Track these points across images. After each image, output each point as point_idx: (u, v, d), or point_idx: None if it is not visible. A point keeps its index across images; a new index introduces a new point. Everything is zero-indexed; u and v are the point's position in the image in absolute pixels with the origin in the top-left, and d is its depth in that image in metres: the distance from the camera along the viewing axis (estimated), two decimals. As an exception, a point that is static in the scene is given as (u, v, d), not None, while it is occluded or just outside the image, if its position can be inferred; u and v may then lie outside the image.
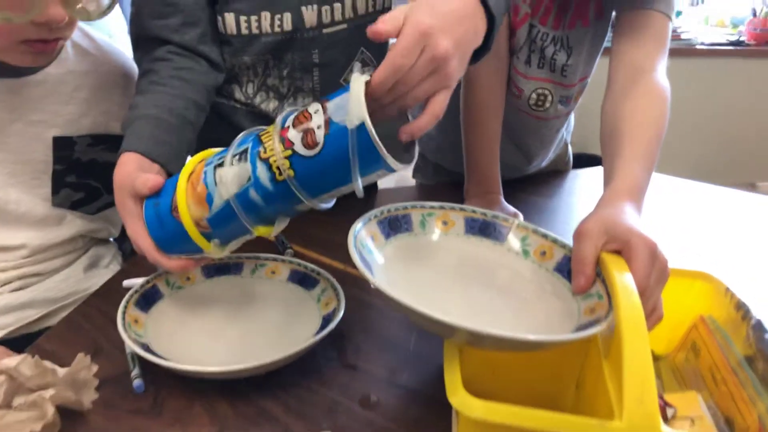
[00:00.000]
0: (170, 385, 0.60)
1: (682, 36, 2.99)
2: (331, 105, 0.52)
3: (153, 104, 0.75)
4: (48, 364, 0.54)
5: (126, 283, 0.77)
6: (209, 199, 0.58)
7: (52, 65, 0.81)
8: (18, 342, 0.79)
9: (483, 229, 0.64)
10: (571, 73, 0.93)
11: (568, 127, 1.17)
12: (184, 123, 0.77)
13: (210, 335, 0.66)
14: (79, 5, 0.71)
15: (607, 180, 0.65)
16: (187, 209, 0.59)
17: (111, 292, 0.77)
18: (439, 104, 0.56)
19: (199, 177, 0.59)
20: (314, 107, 0.53)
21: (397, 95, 0.55)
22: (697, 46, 2.99)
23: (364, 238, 0.57)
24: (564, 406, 0.56)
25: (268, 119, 0.94)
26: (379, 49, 0.93)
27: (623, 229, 0.56)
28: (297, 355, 0.59)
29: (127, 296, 0.66)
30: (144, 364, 0.61)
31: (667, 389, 0.60)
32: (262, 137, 0.55)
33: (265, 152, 0.54)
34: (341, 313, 0.65)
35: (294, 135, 0.53)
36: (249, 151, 0.55)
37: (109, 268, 0.93)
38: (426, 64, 0.53)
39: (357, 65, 0.53)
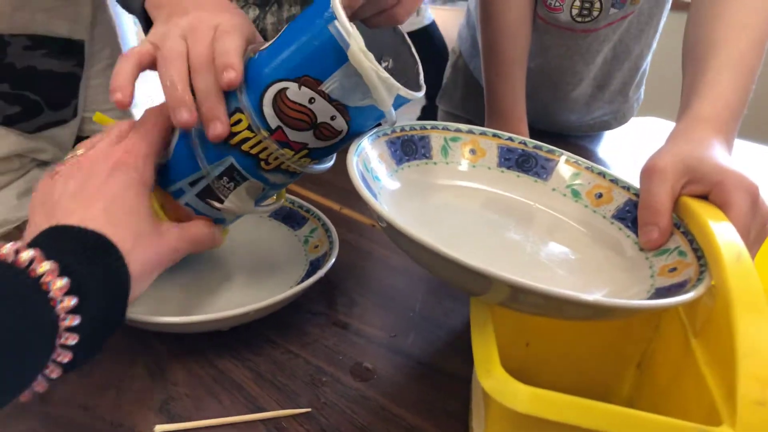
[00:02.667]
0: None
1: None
2: (330, 87, 0.38)
3: None
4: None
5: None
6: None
7: None
8: None
9: (522, 162, 0.50)
10: None
11: (638, 82, 0.97)
12: None
13: (166, 276, 0.52)
14: None
15: (688, 100, 0.50)
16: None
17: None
18: None
19: (168, 201, 0.45)
20: (298, 93, 0.39)
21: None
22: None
23: (369, 158, 0.43)
24: (618, 391, 0.43)
25: None
26: None
27: (712, 167, 0.42)
28: (275, 306, 0.46)
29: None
30: (77, 308, 0.47)
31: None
32: (243, 148, 0.42)
33: (268, 164, 0.43)
34: (333, 259, 0.52)
35: (300, 136, 0.41)
36: (237, 168, 0.43)
37: None
38: None
39: (337, 18, 0.36)
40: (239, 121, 0.41)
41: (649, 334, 0.41)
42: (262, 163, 0.43)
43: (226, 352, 0.46)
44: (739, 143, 1.03)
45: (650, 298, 0.36)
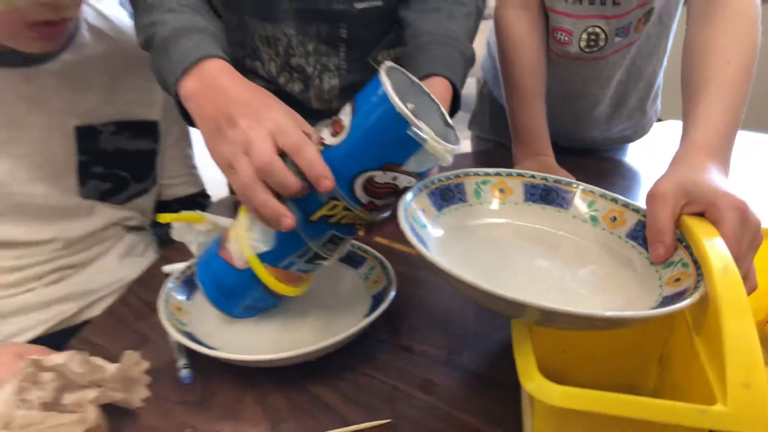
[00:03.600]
0: (219, 374, 0.57)
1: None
2: (409, 166, 0.49)
3: (204, 23, 0.62)
4: (97, 360, 0.52)
5: (166, 268, 0.75)
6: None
7: (67, 51, 0.77)
8: (58, 337, 0.78)
9: (544, 195, 0.58)
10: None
11: (654, 96, 1.05)
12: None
13: (256, 320, 0.63)
14: None
15: (685, 130, 0.58)
16: (285, 286, 0.57)
17: (151, 279, 0.75)
18: None
19: (280, 273, 0.56)
20: (383, 176, 0.49)
21: None
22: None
23: (414, 211, 0.52)
24: (645, 384, 0.51)
25: (293, 100, 0.88)
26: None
27: (705, 189, 0.50)
28: (350, 338, 0.55)
29: (167, 283, 0.63)
30: (191, 353, 0.58)
31: (758, 363, 0.54)
32: (342, 222, 0.53)
33: (360, 226, 0.55)
34: (393, 292, 0.61)
35: (386, 201, 0.52)
36: (338, 235, 0.54)
37: (144, 256, 0.91)
38: None
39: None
40: (335, 206, 0.51)
41: (665, 335, 0.49)
42: (357, 226, 0.54)
43: (317, 379, 0.56)
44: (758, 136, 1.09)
45: (657, 306, 0.45)
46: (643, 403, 0.37)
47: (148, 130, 0.88)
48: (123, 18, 0.86)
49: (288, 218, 0.50)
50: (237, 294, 0.57)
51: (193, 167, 0.99)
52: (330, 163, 0.49)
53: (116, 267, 0.86)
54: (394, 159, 0.48)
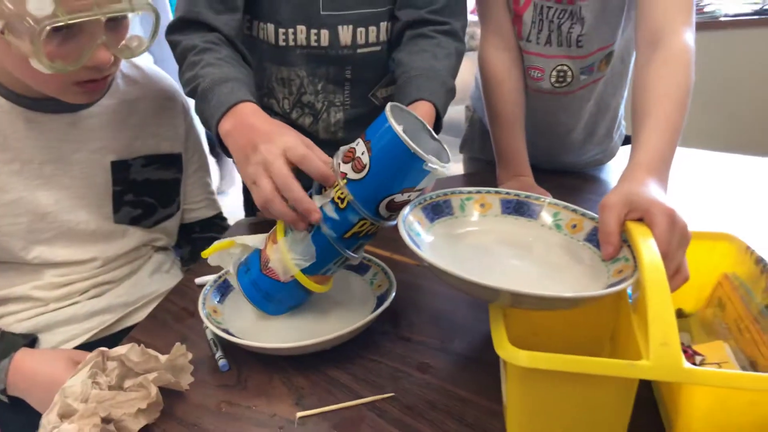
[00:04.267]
0: (250, 363, 0.68)
1: (706, 9, 2.97)
2: (420, 186, 0.64)
3: (237, 73, 0.76)
4: (152, 351, 0.62)
5: (198, 280, 0.86)
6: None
7: (105, 97, 0.89)
8: (100, 344, 0.87)
9: (517, 208, 0.70)
10: (587, 42, 0.96)
11: (618, 124, 1.18)
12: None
13: (281, 318, 0.74)
14: (122, 43, 0.79)
15: (631, 152, 0.70)
16: (320, 286, 0.70)
17: (184, 289, 0.86)
18: None
19: (320, 278, 0.70)
20: (401, 196, 0.63)
21: None
22: (721, 18, 2.97)
23: (411, 222, 0.64)
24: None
25: (303, 132, 1.00)
26: None
27: (643, 199, 0.61)
28: (360, 329, 0.67)
29: (204, 290, 0.75)
30: (225, 347, 0.69)
31: (697, 342, 0.65)
32: (369, 233, 0.66)
33: (377, 233, 0.68)
34: (393, 293, 0.72)
35: (400, 211, 0.64)
36: (364, 243, 0.69)
37: (170, 273, 1.02)
38: None
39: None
40: (364, 224, 0.64)
41: (614, 317, 0.60)
42: (377, 232, 0.67)
43: (332, 363, 0.67)
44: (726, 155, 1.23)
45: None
46: (586, 361, 0.48)
47: (172, 161, 0.99)
48: (152, 66, 0.98)
49: (302, 223, 0.63)
50: (282, 300, 0.71)
51: (212, 193, 1.11)
52: (358, 194, 0.62)
53: (147, 282, 0.97)
54: (409, 185, 0.62)
